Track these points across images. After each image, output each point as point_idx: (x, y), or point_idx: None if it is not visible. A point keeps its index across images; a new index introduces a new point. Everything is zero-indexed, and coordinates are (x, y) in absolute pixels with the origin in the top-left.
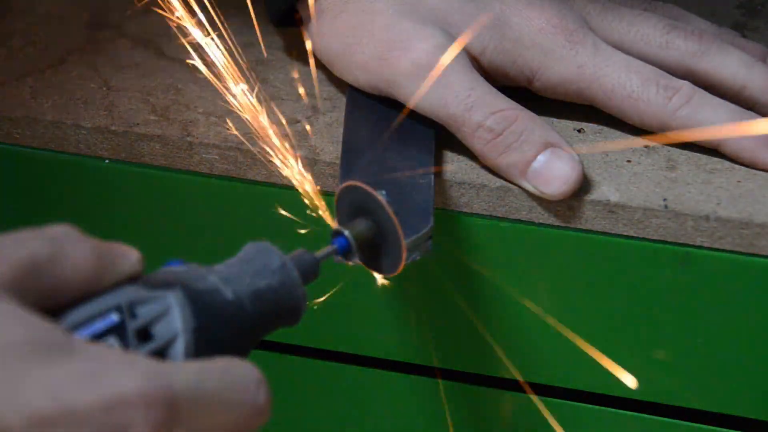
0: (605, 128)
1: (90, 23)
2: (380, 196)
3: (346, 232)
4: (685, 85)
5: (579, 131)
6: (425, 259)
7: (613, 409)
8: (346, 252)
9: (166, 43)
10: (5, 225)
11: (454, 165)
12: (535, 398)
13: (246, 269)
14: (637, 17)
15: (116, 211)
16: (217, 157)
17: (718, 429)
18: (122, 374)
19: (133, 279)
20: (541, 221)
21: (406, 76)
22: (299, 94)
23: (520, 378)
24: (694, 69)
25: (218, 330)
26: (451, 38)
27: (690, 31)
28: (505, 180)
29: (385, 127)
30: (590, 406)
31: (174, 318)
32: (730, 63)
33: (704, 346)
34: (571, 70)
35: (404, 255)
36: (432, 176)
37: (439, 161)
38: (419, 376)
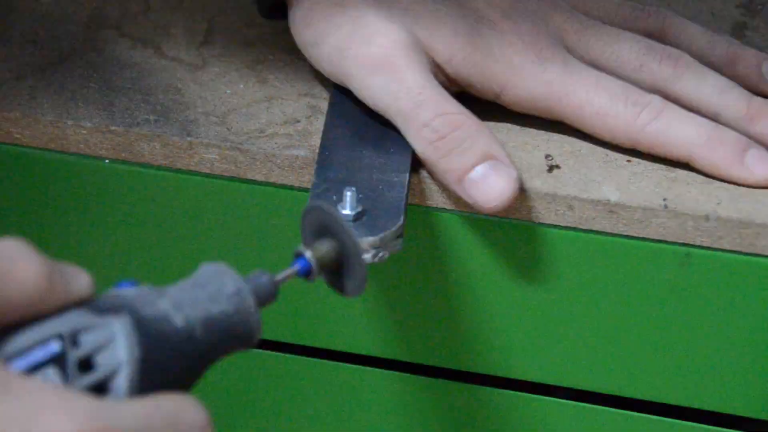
0: None
1: (90, 23)
2: (343, 219)
3: (308, 254)
4: (654, 99)
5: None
6: (425, 259)
7: (613, 409)
8: (306, 273)
9: (166, 43)
10: (5, 225)
11: None
12: (535, 397)
13: (199, 294)
14: (614, 37)
15: (116, 211)
16: (217, 157)
17: (718, 429)
18: (59, 418)
19: (79, 303)
20: (541, 221)
21: (361, 70)
22: (299, 94)
23: (519, 377)
24: (667, 93)
25: (165, 360)
26: (415, 38)
27: (667, 54)
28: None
29: (364, 124)
30: (590, 405)
31: (118, 348)
32: (703, 88)
33: (704, 345)
34: (539, 87)
35: (365, 276)
36: (407, 175)
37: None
38: (419, 376)
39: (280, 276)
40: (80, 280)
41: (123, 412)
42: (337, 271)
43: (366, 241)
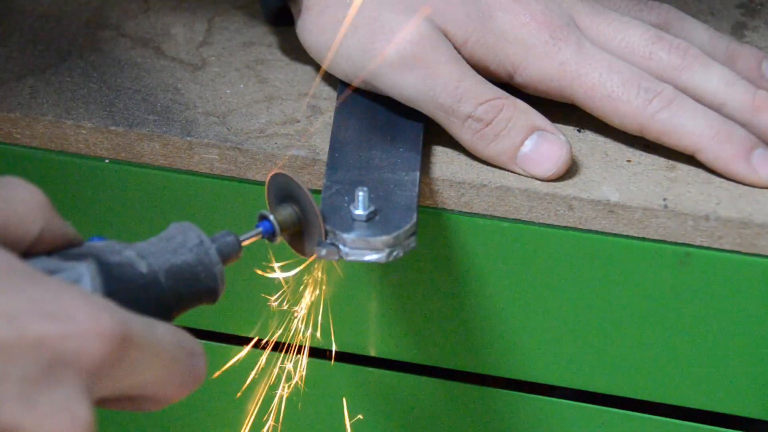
0: (605, 128)
1: (90, 23)
2: (302, 184)
3: (271, 217)
4: (667, 89)
5: (579, 131)
6: (426, 260)
7: (613, 409)
8: (270, 235)
9: (166, 43)
10: None
11: (454, 165)
12: (535, 397)
13: (164, 246)
14: (624, 24)
15: (116, 211)
16: (217, 157)
17: (718, 429)
18: (81, 305)
19: (50, 252)
20: (541, 221)
21: (391, 67)
22: (299, 94)
23: (519, 377)
24: (675, 82)
25: (130, 301)
26: (436, 28)
27: (675, 45)
28: (496, 167)
29: (372, 124)
30: (590, 405)
31: (84, 286)
32: (711, 79)
33: (704, 345)
34: (553, 67)
35: (325, 239)
36: (417, 174)
37: (435, 161)
38: (420, 376)
39: (244, 236)
40: (71, 228)
41: (134, 315)
42: (298, 234)
43: (380, 240)
